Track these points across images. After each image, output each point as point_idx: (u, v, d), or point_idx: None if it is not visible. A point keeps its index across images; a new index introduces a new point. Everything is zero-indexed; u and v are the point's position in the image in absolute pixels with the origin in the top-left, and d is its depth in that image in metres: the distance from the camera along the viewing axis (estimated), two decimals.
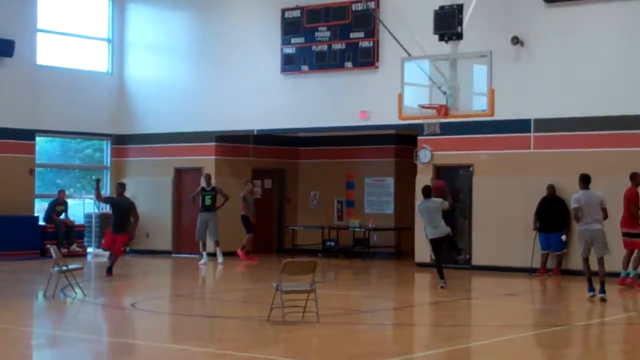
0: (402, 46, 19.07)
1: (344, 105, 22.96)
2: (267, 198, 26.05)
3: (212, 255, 22.82)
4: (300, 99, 23.63)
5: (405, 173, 23.92)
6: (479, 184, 21.14)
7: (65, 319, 14.37)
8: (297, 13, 23.64)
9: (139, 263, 23.74)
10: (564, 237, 19.56)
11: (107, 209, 25.47)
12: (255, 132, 24.75)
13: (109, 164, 26.81)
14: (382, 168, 25.61)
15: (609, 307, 15.29)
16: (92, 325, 13.84)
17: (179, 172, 25.81)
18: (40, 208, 25.09)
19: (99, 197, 20.61)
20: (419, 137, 21.71)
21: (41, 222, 24.43)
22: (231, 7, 25.03)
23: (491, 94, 16.73)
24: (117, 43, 26.71)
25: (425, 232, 17.99)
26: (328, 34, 23.15)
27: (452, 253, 18.81)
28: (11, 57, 23.92)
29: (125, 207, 19.54)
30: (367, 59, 22.58)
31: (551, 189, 19.89)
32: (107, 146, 26.86)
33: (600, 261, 15.86)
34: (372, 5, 22.14)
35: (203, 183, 23.11)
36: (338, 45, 23.00)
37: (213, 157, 25.01)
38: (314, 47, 23.37)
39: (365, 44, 22.65)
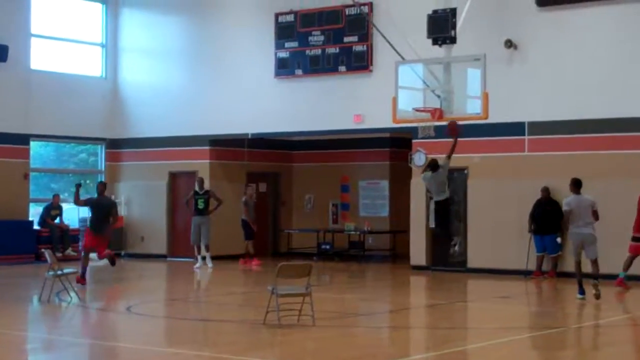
0: (395, 50, 19.10)
1: (338, 108, 22.98)
2: (262, 202, 26.05)
3: (204, 258, 22.81)
4: (295, 102, 23.64)
5: (400, 176, 23.94)
6: (473, 187, 21.17)
7: (60, 323, 14.36)
8: (290, 17, 23.67)
9: (134, 267, 23.72)
10: (559, 240, 19.59)
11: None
12: (249, 136, 24.77)
13: (103, 168, 26.80)
14: (377, 171, 25.63)
15: (605, 309, 15.33)
16: (87, 329, 13.83)
17: (174, 176, 25.82)
18: (34, 212, 25.07)
19: (77, 202, 19.20)
20: (413, 140, 21.74)
21: (36, 227, 24.42)
22: (225, 11, 25.04)
23: (485, 97, 16.75)
24: (111, 48, 26.71)
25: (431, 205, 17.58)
26: (322, 38, 23.18)
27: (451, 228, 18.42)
28: (5, 62, 23.89)
29: (106, 206, 18.49)
30: (361, 62, 22.60)
31: (546, 191, 19.93)
32: (101, 150, 26.85)
33: (594, 262, 16.07)
34: (365, 9, 22.17)
35: (196, 187, 23.11)
36: (332, 50, 23.03)
37: (207, 160, 25.02)
38: (307, 52, 23.39)
39: (359, 48, 22.68)
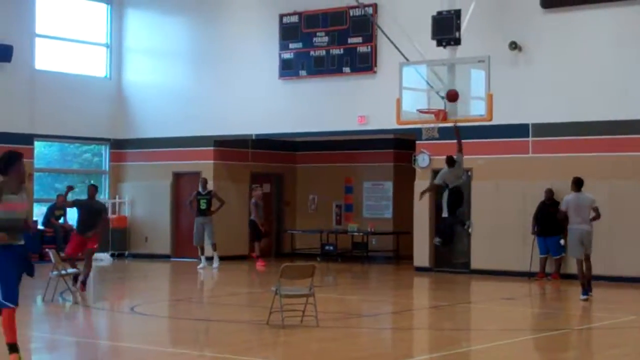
0: (400, 51, 19.11)
1: (342, 110, 22.99)
2: (266, 202, 26.05)
3: (212, 259, 22.82)
4: (299, 103, 23.65)
5: (404, 177, 23.95)
6: (477, 189, 21.16)
7: (64, 323, 14.39)
8: (295, 18, 23.68)
9: (138, 267, 23.75)
10: (562, 242, 19.55)
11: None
12: (253, 137, 24.78)
13: (107, 169, 26.82)
14: (381, 172, 25.64)
15: (609, 310, 15.33)
16: (91, 329, 13.85)
17: (178, 177, 25.83)
18: (39, 212, 25.08)
19: (65, 203, 18.54)
20: (417, 142, 21.75)
21: (40, 227, 24.43)
22: (229, 12, 25.06)
23: (489, 98, 16.76)
24: (116, 48, 26.74)
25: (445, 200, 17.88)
26: (326, 39, 23.19)
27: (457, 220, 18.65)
28: (10, 62, 23.92)
29: (95, 210, 17.33)
30: (365, 64, 22.61)
31: (549, 193, 19.92)
32: (105, 151, 26.87)
33: (587, 259, 16.47)
34: (369, 10, 22.18)
35: (199, 187, 23.12)
36: (336, 51, 23.04)
37: (211, 161, 25.03)
38: (312, 52, 23.41)
39: (363, 49, 22.69)
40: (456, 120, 17.34)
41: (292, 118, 23.73)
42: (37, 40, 25.22)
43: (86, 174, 27.73)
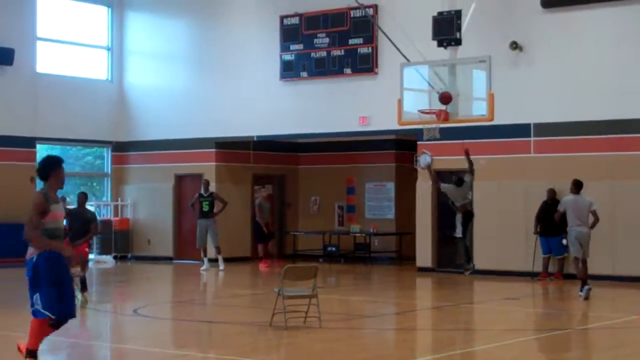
0: (400, 52, 19.10)
1: (344, 111, 23.00)
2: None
3: (214, 261, 22.84)
4: (300, 105, 23.67)
5: (406, 178, 23.98)
6: (479, 189, 21.15)
7: (66, 325, 14.38)
8: (295, 20, 23.71)
9: (141, 269, 23.77)
10: (564, 242, 19.50)
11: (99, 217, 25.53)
12: (255, 139, 24.80)
13: (109, 171, 26.86)
14: (383, 173, 25.65)
15: (612, 311, 15.35)
16: (94, 331, 13.86)
17: (180, 179, 25.86)
18: None
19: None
20: (418, 142, 21.75)
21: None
22: (230, 14, 25.08)
23: (490, 98, 16.75)
24: (117, 51, 26.78)
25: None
26: (327, 40, 23.21)
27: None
28: (11, 66, 23.99)
29: (85, 219, 16.80)
30: (366, 65, 22.63)
31: (551, 193, 19.93)
32: (107, 153, 26.91)
33: (584, 262, 16.66)
34: (370, 11, 22.19)
35: (201, 189, 23.14)
36: (337, 52, 23.06)
37: (213, 163, 25.06)
38: (312, 54, 23.42)
39: (364, 50, 22.71)
40: (461, 120, 17.44)
41: (294, 119, 23.75)
42: (39, 43, 25.28)
43: (88, 176, 27.78)
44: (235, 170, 25.46)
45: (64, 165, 9.75)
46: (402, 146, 24.97)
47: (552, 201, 19.87)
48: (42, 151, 25.75)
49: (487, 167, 21.08)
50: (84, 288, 16.29)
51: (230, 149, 25.36)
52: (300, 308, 12.96)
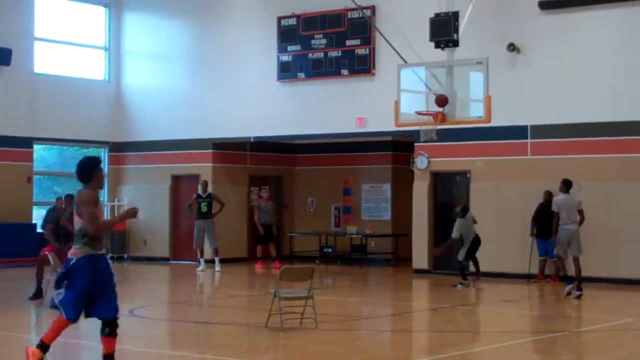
0: (398, 53, 19.12)
1: (341, 112, 23.01)
2: None
3: (211, 261, 22.84)
4: (297, 106, 23.68)
5: (402, 179, 23.98)
6: (476, 191, 21.18)
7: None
8: (293, 21, 23.71)
9: (137, 270, 23.76)
10: None
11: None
12: (252, 139, 24.80)
13: (106, 172, 26.81)
14: (379, 174, 25.65)
15: (608, 313, 15.35)
16: (91, 332, 13.84)
17: (176, 179, 25.85)
18: (38, 215, 25.09)
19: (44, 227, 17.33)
20: (415, 144, 21.77)
21: (39, 229, 24.42)
22: (227, 15, 25.08)
23: (488, 100, 16.76)
24: (114, 51, 26.77)
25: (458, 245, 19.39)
26: (324, 41, 23.21)
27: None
28: (8, 66, 23.97)
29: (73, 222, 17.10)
30: (363, 66, 22.64)
31: (548, 195, 19.89)
32: (104, 153, 26.88)
33: (577, 261, 17.01)
34: (367, 12, 22.20)
35: (199, 190, 23.12)
36: (334, 53, 23.06)
37: (210, 164, 25.06)
38: (310, 55, 23.43)
39: (361, 51, 22.71)
40: (458, 122, 17.64)
41: (291, 120, 23.75)
42: (36, 43, 25.27)
43: None
44: (232, 171, 25.45)
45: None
46: (398, 148, 24.98)
47: (548, 203, 19.81)
48: (39, 151, 25.77)
49: (484, 169, 21.11)
50: None
51: (227, 150, 25.35)
52: (296, 309, 12.95)
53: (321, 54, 23.26)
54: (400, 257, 24.54)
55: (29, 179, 24.78)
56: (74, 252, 9.48)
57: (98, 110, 26.28)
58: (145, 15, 26.63)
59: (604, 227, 19.39)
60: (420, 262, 21.85)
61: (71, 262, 9.45)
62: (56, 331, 9.62)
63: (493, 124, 18.13)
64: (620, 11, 19.74)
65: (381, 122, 21.53)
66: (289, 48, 23.75)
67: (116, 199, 26.42)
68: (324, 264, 24.24)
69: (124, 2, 26.81)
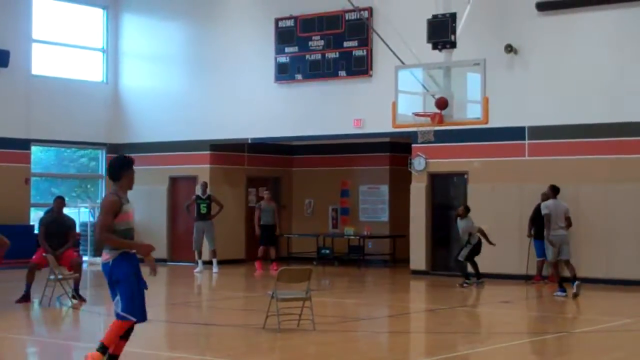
0: (395, 55, 19.13)
1: (338, 113, 23.02)
2: None
3: (208, 263, 22.83)
4: (295, 107, 23.68)
5: (400, 181, 23.98)
6: (473, 192, 21.18)
7: (61, 327, 14.39)
8: (290, 22, 23.72)
9: None
10: None
11: None
12: (249, 141, 24.81)
13: (103, 173, 26.83)
14: (377, 176, 25.66)
15: (605, 314, 15.36)
16: (89, 333, 13.84)
17: (174, 181, 25.85)
18: (35, 217, 25.07)
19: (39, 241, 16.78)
20: (413, 145, 21.77)
21: (37, 231, 24.39)
22: (225, 16, 25.08)
23: (485, 101, 16.78)
24: (112, 53, 26.77)
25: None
26: (322, 43, 23.22)
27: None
28: (6, 67, 23.97)
29: (63, 226, 16.45)
30: (360, 67, 22.65)
31: (546, 196, 19.91)
32: (102, 155, 26.90)
33: (568, 262, 17.51)
34: (365, 14, 22.21)
35: (198, 191, 23.09)
36: (332, 54, 23.07)
37: (208, 165, 25.06)
38: (307, 56, 23.44)
39: (358, 52, 22.72)
40: (456, 123, 17.73)
41: (288, 122, 23.76)
42: (34, 45, 25.27)
43: (83, 178, 27.76)
44: (229, 172, 25.45)
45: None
46: (396, 149, 24.98)
47: None
48: (36, 153, 25.75)
49: (481, 170, 21.11)
50: (76, 292, 16.21)
51: (225, 151, 25.35)
52: (293, 311, 12.95)
53: (319, 56, 23.27)
54: (397, 258, 24.55)
55: (27, 181, 24.76)
56: (108, 257, 9.43)
57: (96, 112, 26.28)
58: (143, 17, 26.63)
59: (602, 228, 19.41)
60: (418, 263, 21.85)
61: (109, 267, 9.38)
62: (116, 338, 9.46)
63: (491, 125, 18.16)
64: (618, 12, 19.75)
65: (379, 124, 21.54)
66: (287, 49, 23.76)
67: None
68: (322, 266, 24.24)
69: (121, 4, 26.81)
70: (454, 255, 19.98)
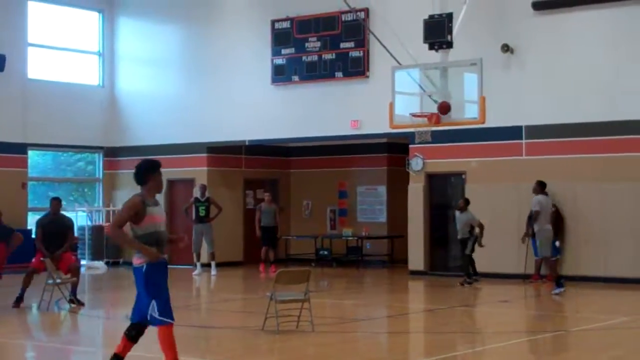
0: (392, 55, 19.12)
1: (335, 114, 23.01)
2: None
3: (206, 265, 22.82)
4: (291, 109, 23.67)
5: (398, 181, 23.97)
6: (471, 191, 21.17)
7: (59, 331, 14.38)
8: (287, 24, 23.72)
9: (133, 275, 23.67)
10: (557, 243, 19.58)
11: (93, 221, 25.51)
12: (246, 143, 24.79)
13: (101, 177, 26.82)
14: (375, 177, 25.65)
15: (603, 312, 15.37)
16: (87, 336, 13.84)
17: (171, 184, 25.81)
18: (33, 221, 25.02)
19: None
20: (410, 146, 21.78)
21: (34, 235, 24.37)
22: (221, 18, 25.07)
23: (482, 101, 16.79)
24: (108, 56, 26.76)
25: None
26: (318, 44, 23.22)
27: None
28: (2, 72, 23.93)
29: (61, 227, 16.24)
30: (357, 68, 22.65)
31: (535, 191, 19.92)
32: (99, 159, 26.88)
33: (547, 260, 18.16)
34: (361, 15, 22.21)
35: (197, 194, 23.07)
36: (328, 56, 23.07)
37: (205, 168, 25.04)
38: (304, 58, 23.44)
39: (355, 53, 22.72)
40: (453, 123, 17.74)
41: (285, 123, 23.75)
42: (30, 49, 25.25)
43: (80, 182, 27.73)
44: (227, 174, 25.44)
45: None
46: (394, 149, 24.98)
47: None
48: (33, 157, 25.73)
49: (478, 170, 21.12)
50: (74, 296, 16.14)
51: (222, 154, 25.34)
52: (292, 312, 12.95)
53: (315, 57, 23.27)
54: (396, 259, 24.55)
55: (24, 185, 24.74)
56: (141, 260, 9.41)
57: (92, 115, 26.26)
58: (139, 20, 26.62)
59: (599, 227, 19.42)
60: (416, 264, 21.85)
61: (142, 270, 9.35)
62: (172, 345, 9.42)
63: (488, 124, 18.15)
64: (613, 11, 19.76)
65: (376, 124, 21.54)
66: (283, 51, 23.75)
67: (111, 204, 26.38)
68: (320, 267, 24.24)
69: (117, 7, 26.80)
70: (462, 254, 19.87)
